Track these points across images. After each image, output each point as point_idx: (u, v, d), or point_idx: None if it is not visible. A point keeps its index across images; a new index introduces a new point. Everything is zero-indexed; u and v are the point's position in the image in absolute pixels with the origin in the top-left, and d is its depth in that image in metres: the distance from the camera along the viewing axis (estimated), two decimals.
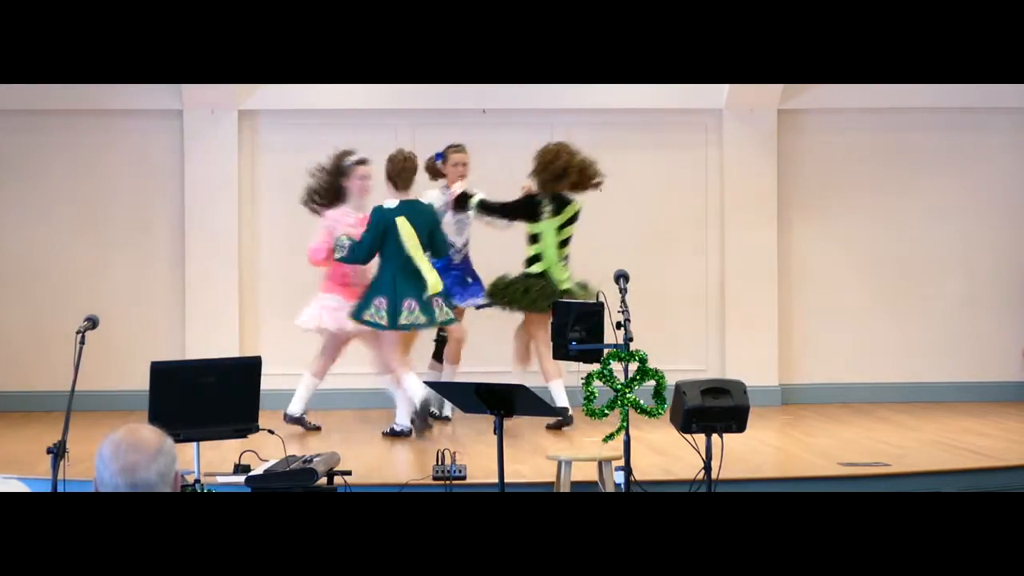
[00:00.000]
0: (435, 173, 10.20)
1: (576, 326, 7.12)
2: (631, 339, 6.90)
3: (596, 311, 7.12)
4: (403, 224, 9.29)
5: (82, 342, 6.32)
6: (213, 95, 11.16)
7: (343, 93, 11.23)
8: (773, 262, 11.57)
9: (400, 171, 9.40)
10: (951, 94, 11.47)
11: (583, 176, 9.91)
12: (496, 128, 11.30)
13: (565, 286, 9.87)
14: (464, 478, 7.48)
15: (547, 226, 9.88)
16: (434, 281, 9.33)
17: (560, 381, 9.88)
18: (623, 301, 7.04)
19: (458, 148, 10.18)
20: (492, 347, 10.59)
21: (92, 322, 6.56)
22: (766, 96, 11.45)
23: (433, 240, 9.44)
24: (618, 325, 6.90)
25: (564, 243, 9.97)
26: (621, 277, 7.36)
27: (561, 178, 9.84)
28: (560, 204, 9.90)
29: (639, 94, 11.29)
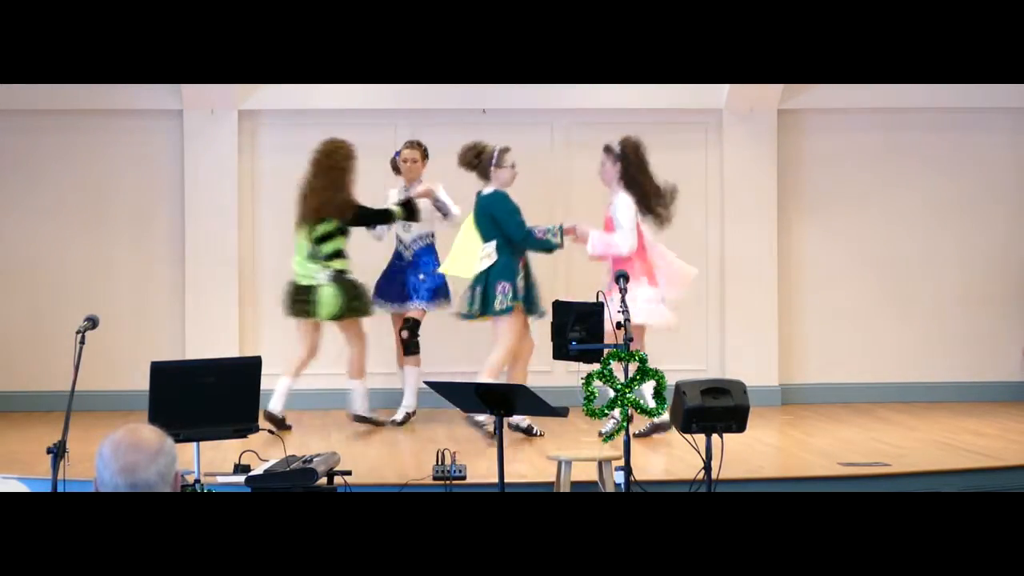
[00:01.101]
0: (398, 170, 10.30)
1: (576, 326, 7.12)
2: (631, 339, 6.90)
3: (596, 311, 7.12)
4: (469, 215, 9.53)
5: (82, 342, 6.31)
6: (213, 95, 11.16)
7: (343, 93, 11.22)
8: (773, 262, 11.57)
9: (472, 164, 9.52)
10: (951, 94, 11.46)
11: None
12: (496, 128, 11.28)
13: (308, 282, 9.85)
14: (464, 478, 7.48)
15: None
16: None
17: (362, 382, 9.92)
18: (623, 301, 7.04)
19: (408, 145, 10.22)
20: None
21: (92, 322, 6.55)
22: (766, 96, 11.45)
23: (499, 227, 9.37)
24: (618, 325, 6.90)
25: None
26: (621, 277, 7.37)
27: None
28: None
29: (639, 94, 11.29)
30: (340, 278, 9.77)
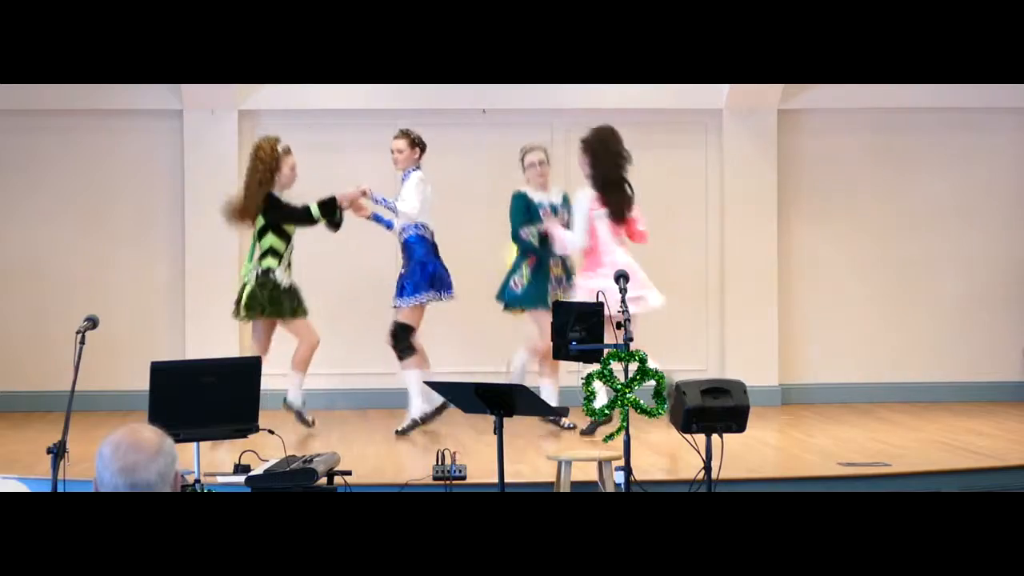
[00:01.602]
0: None
1: (576, 326, 7.11)
2: (631, 339, 6.90)
3: (596, 311, 7.12)
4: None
5: (82, 342, 6.31)
6: (213, 95, 11.16)
7: (343, 93, 11.22)
8: (773, 262, 11.58)
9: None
10: (951, 94, 11.47)
11: None
12: (496, 128, 11.30)
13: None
14: (464, 478, 7.48)
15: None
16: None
17: (301, 374, 9.88)
18: (623, 301, 7.04)
19: (397, 135, 10.10)
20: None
21: (92, 322, 6.55)
22: (766, 96, 11.46)
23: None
24: (618, 325, 6.90)
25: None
26: (621, 277, 7.36)
27: None
28: None
29: (639, 94, 11.29)
30: (264, 277, 9.62)
